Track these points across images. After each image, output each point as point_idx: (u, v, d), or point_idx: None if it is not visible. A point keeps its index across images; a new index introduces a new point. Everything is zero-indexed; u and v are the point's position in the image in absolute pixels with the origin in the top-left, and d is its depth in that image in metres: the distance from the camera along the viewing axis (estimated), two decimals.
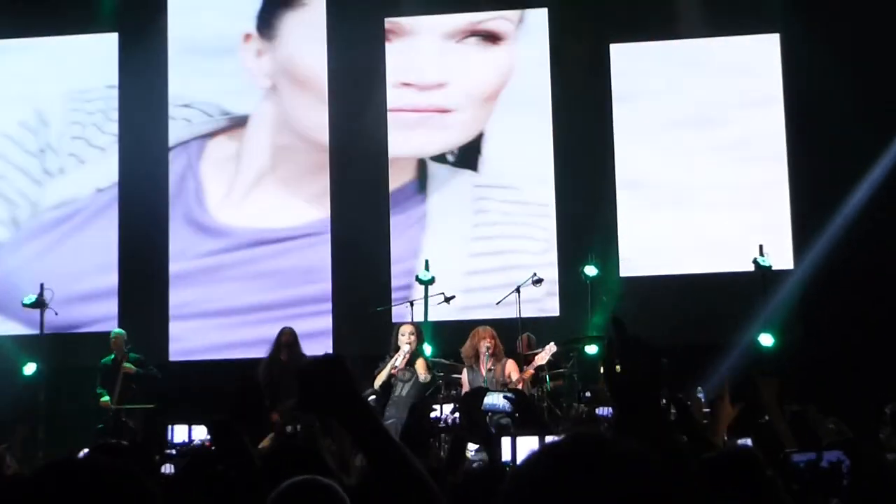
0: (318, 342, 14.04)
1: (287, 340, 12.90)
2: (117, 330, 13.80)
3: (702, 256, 14.62)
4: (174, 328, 15.34)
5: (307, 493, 3.13)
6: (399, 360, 12.06)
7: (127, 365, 13.47)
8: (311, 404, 2.50)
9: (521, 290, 13.16)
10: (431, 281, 13.75)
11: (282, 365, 12.66)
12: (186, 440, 11.26)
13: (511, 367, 11.60)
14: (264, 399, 12.55)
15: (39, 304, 14.11)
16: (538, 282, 13.34)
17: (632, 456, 1.78)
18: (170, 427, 11.64)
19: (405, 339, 12.11)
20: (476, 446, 5.96)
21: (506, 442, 6.69)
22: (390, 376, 12.02)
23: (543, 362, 11.68)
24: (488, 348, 11.33)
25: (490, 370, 11.19)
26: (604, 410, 10.75)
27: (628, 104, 15.17)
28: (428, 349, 13.32)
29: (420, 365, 12.04)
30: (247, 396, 12.61)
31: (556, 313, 14.62)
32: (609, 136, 15.10)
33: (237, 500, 3.35)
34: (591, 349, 13.10)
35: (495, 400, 10.26)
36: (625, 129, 15.11)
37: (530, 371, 11.49)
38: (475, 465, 6.17)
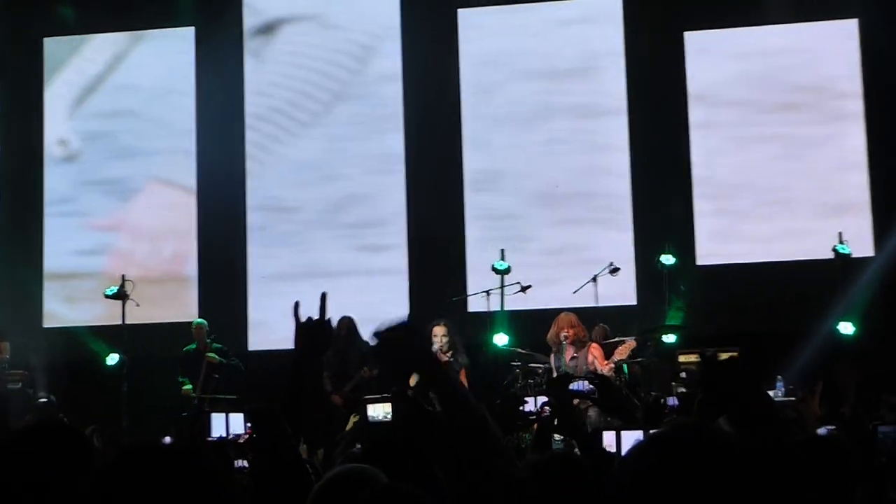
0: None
1: (347, 328, 12.99)
2: (199, 319, 13.94)
3: (780, 244, 14.49)
4: (254, 318, 15.51)
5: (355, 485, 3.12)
6: None
7: (210, 355, 13.63)
8: (392, 367, 2.74)
9: (598, 279, 13.13)
10: (507, 270, 13.76)
11: (342, 353, 12.71)
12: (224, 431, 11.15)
13: (595, 352, 11.48)
14: (324, 385, 12.58)
15: (121, 295, 14.34)
16: (615, 271, 13.29)
17: (734, 445, 1.81)
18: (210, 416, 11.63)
19: (437, 341, 11.91)
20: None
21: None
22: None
23: (623, 357, 11.56)
24: (566, 337, 11.27)
25: (574, 357, 11.11)
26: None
27: (702, 93, 15.07)
28: (503, 339, 13.34)
29: (462, 375, 11.72)
30: (306, 383, 12.68)
31: (633, 302, 14.57)
32: (684, 126, 15.02)
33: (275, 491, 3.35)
34: (669, 338, 13.05)
35: (580, 386, 10.20)
36: (700, 119, 15.01)
37: (610, 365, 11.38)
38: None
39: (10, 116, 16.39)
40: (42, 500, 2.80)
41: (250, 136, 15.99)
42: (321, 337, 3.52)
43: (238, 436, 10.33)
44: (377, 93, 15.83)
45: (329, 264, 15.44)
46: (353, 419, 12.00)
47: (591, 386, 5.09)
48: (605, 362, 11.33)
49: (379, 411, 10.97)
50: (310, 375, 3.74)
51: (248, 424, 9.99)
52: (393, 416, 10.10)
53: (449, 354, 11.85)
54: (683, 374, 11.67)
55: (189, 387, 13.58)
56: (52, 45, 16.54)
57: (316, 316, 3.50)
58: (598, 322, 12.80)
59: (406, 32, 15.80)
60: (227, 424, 11.18)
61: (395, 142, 15.68)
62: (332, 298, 3.45)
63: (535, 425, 4.81)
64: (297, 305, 3.52)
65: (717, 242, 14.68)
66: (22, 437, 2.94)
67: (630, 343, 11.71)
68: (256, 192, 15.92)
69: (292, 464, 3.33)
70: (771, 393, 10.72)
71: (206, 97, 16.01)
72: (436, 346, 11.83)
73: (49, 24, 16.43)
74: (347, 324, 12.92)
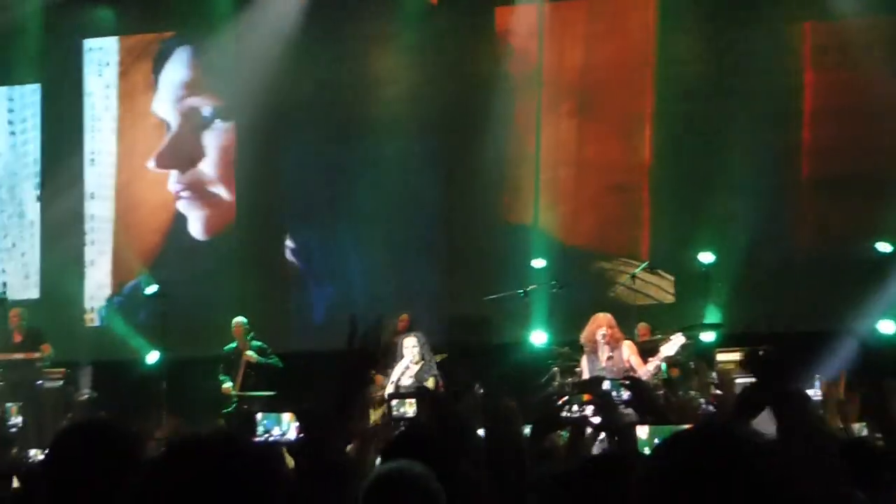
0: (432, 330, 14.14)
1: (405, 325, 13.21)
2: (239, 318, 14.03)
3: (817, 241, 14.41)
4: (292, 315, 15.62)
5: (399, 484, 3.14)
6: (400, 375, 12.12)
7: (249, 353, 13.72)
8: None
9: (636, 276, 13.11)
10: (544, 269, 13.76)
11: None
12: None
13: (629, 350, 11.38)
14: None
15: (161, 294, 14.47)
16: (653, 269, 13.26)
17: (761, 445, 1.81)
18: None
19: (408, 353, 12.15)
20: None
21: None
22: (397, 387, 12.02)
23: (671, 353, 11.36)
24: (604, 335, 11.23)
25: (610, 357, 11.05)
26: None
27: None
28: (541, 337, 13.36)
29: (430, 383, 11.94)
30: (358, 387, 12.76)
31: (672, 300, 14.52)
32: (721, 119, 14.99)
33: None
34: (708, 337, 12.99)
35: (612, 388, 10.17)
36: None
37: (657, 363, 11.24)
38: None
39: None
40: (93, 497, 2.84)
41: None
42: (373, 349, 3.60)
43: (284, 435, 10.40)
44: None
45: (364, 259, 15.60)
46: (375, 412, 12.13)
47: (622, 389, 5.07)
48: (645, 361, 11.21)
49: (406, 408, 11.11)
50: (362, 381, 3.82)
51: (298, 424, 10.08)
52: (418, 412, 10.35)
53: (420, 366, 12.03)
54: (715, 376, 11.64)
55: (229, 384, 13.68)
56: None
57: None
58: (636, 320, 12.78)
59: None
60: (274, 424, 11.22)
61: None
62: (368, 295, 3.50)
63: (573, 426, 4.80)
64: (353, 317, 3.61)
65: (753, 239, 14.55)
66: (71, 435, 2.97)
67: (677, 338, 11.42)
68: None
69: (338, 465, 3.37)
70: (810, 392, 10.68)
71: None
72: (407, 359, 11.97)
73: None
74: (406, 319, 13.19)
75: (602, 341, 11.06)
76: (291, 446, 3.49)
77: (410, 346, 12.18)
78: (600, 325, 11.11)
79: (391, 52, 15.94)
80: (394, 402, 11.23)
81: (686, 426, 2.54)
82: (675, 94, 15.22)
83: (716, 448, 1.80)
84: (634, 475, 1.87)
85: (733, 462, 1.77)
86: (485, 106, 15.35)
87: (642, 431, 6.18)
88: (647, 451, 2.59)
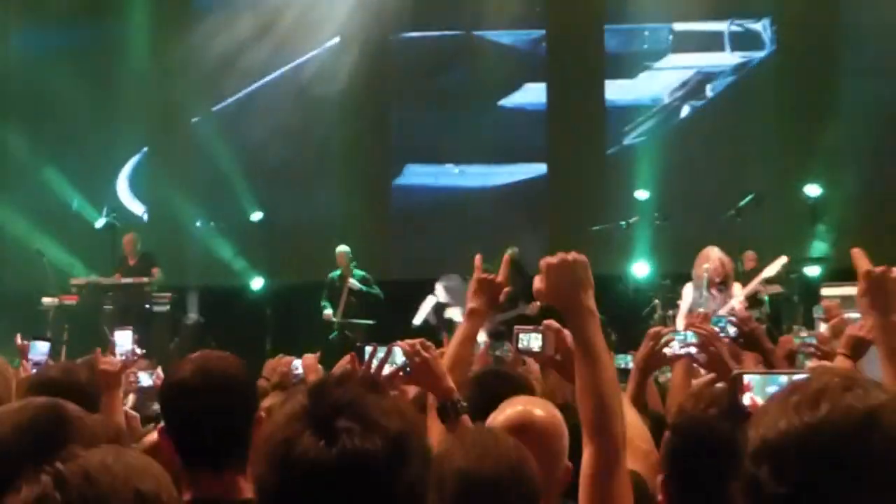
0: (534, 259, 14.13)
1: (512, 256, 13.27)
2: (342, 246, 14.16)
3: None
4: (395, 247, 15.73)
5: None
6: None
7: (351, 280, 13.87)
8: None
9: (743, 209, 12.91)
10: (647, 201, 13.66)
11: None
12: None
13: (739, 291, 11.24)
14: None
15: (267, 221, 14.66)
16: (759, 201, 13.05)
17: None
18: None
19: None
20: None
21: None
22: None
23: (772, 274, 11.17)
24: (707, 269, 11.09)
25: (720, 291, 10.88)
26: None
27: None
28: (644, 269, 13.30)
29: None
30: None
31: (777, 233, 14.28)
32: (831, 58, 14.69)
33: None
34: (813, 270, 12.81)
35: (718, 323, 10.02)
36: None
37: (755, 284, 11.05)
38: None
39: None
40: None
41: None
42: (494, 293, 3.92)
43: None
44: None
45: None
46: None
47: (729, 325, 5.00)
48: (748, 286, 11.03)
49: (532, 342, 11.09)
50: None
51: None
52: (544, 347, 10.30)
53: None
54: (822, 310, 11.44)
55: (329, 311, 13.85)
56: None
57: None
58: (742, 250, 12.61)
59: None
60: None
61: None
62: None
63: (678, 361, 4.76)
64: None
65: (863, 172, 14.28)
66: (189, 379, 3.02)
67: (780, 259, 11.24)
68: None
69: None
70: None
71: None
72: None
73: None
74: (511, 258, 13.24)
75: (706, 276, 10.90)
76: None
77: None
78: (712, 259, 10.95)
79: None
80: (521, 334, 11.23)
81: (799, 373, 2.47)
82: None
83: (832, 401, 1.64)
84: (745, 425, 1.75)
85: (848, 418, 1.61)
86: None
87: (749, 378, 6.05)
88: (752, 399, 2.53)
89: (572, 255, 2.83)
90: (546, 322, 3.00)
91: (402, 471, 1.79)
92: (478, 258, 4.08)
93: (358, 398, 1.81)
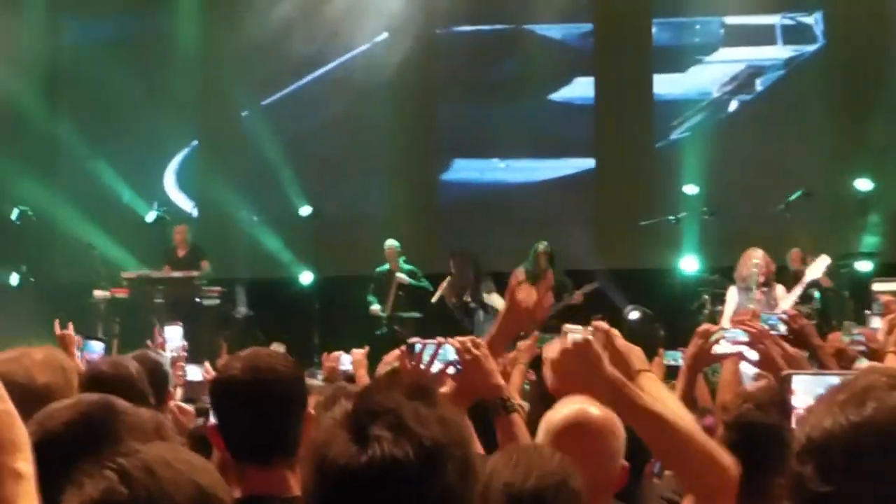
0: (581, 253, 14.14)
1: (545, 256, 13.23)
2: (391, 241, 14.20)
3: None
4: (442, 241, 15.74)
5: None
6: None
7: (399, 275, 13.90)
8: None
9: (791, 204, 12.81)
10: (695, 197, 13.59)
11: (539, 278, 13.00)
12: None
13: (782, 294, 11.19)
14: None
15: (315, 215, 14.73)
16: (807, 195, 12.95)
17: None
18: None
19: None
20: None
21: None
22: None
23: (816, 276, 11.12)
24: (756, 266, 11.02)
25: (764, 292, 10.83)
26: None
27: None
28: (693, 264, 13.24)
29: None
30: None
31: (827, 228, 14.15)
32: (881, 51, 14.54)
33: None
34: (864, 266, 12.70)
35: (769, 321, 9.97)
36: None
37: (801, 289, 11.01)
38: None
39: None
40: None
41: None
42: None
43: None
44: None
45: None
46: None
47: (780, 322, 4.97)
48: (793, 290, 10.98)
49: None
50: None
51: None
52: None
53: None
54: (879, 306, 11.31)
55: (377, 306, 13.89)
56: None
57: None
58: (789, 247, 12.53)
59: None
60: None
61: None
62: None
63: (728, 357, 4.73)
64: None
65: None
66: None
67: (822, 259, 11.17)
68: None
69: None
70: None
71: None
72: None
73: None
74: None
75: (753, 276, 10.85)
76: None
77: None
78: (753, 259, 10.91)
79: None
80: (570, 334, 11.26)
81: (849, 373, 2.45)
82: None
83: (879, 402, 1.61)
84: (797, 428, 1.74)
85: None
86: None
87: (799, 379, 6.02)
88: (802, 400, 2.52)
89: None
90: (595, 322, 2.97)
91: (433, 480, 1.80)
92: (517, 276, 4.00)
93: (398, 406, 1.84)
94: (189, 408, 5.28)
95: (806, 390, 2.54)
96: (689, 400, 4.31)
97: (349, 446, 1.81)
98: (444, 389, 3.45)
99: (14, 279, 15.14)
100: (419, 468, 1.79)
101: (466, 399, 3.42)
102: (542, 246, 13.28)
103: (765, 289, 10.83)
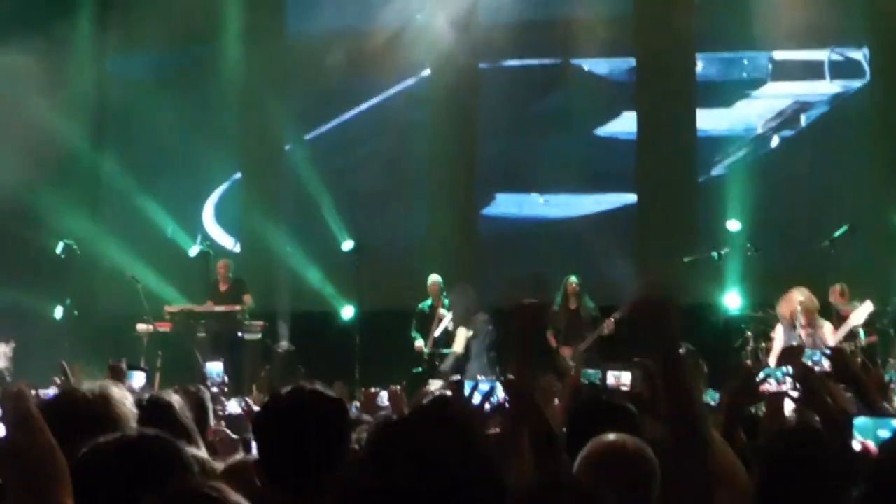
0: (622, 288, 14.06)
1: (574, 290, 13.32)
2: (434, 276, 14.20)
3: None
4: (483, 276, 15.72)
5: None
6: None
7: (442, 310, 13.90)
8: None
9: (836, 240, 12.70)
10: (738, 233, 13.52)
11: (570, 312, 13.50)
12: None
13: (829, 332, 11.11)
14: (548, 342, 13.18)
15: (357, 250, 14.79)
16: (852, 231, 12.82)
17: None
18: None
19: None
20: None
21: None
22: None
23: (859, 322, 11.07)
24: (801, 309, 10.92)
25: (809, 334, 10.75)
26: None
27: None
28: (736, 301, 13.18)
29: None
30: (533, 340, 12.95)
31: (870, 263, 14.02)
32: None
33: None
34: None
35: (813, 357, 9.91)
36: None
37: (846, 331, 10.94)
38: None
39: None
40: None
41: None
42: (539, 314, 3.91)
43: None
44: None
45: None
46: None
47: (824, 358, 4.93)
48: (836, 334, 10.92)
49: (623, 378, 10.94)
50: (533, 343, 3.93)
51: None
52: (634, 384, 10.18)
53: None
54: None
55: (421, 342, 13.88)
56: None
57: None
58: (832, 282, 12.43)
59: None
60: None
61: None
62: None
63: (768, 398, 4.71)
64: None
65: None
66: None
67: (866, 306, 11.19)
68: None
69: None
70: None
71: None
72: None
73: None
74: (575, 284, 13.32)
75: (800, 316, 10.79)
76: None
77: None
78: (798, 299, 10.85)
79: None
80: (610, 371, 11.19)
81: None
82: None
83: None
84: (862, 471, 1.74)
85: None
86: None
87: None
88: (863, 442, 2.48)
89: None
90: (639, 361, 2.99)
91: None
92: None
93: (425, 439, 1.85)
94: (233, 437, 5.32)
95: (868, 434, 2.51)
96: (733, 437, 4.29)
97: (369, 476, 1.85)
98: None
99: (58, 312, 15.26)
100: (432, 500, 1.80)
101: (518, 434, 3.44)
102: (572, 280, 13.43)
103: (810, 330, 10.76)
